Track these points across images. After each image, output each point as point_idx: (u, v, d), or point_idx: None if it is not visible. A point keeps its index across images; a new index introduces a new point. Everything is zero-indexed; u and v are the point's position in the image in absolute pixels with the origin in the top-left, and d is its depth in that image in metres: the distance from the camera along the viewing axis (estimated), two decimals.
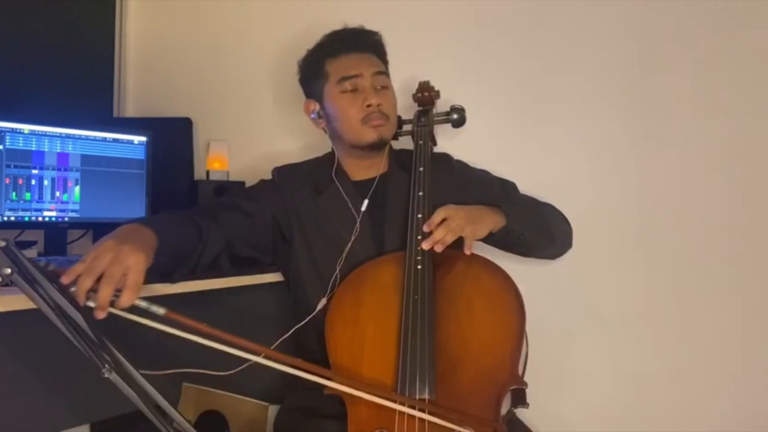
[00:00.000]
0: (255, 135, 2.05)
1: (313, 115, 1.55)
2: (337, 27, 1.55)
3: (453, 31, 1.82)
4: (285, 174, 1.54)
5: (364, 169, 1.52)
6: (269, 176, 1.58)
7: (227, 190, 1.87)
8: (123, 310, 1.01)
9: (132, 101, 2.22)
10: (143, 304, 1.03)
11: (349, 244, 1.43)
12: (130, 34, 2.21)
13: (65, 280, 0.99)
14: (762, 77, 1.59)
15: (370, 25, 1.56)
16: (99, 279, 1.00)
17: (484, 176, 1.61)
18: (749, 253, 1.61)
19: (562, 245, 1.58)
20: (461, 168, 1.61)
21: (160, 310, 1.03)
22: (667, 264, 1.67)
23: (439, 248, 1.32)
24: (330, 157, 1.56)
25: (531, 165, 1.75)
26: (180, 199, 1.93)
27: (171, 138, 1.97)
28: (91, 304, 0.99)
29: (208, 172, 1.93)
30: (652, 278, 1.68)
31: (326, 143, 1.62)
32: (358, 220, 1.45)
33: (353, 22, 1.56)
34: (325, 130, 1.56)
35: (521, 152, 1.77)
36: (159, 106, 2.14)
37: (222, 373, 1.12)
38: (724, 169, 1.63)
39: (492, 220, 1.39)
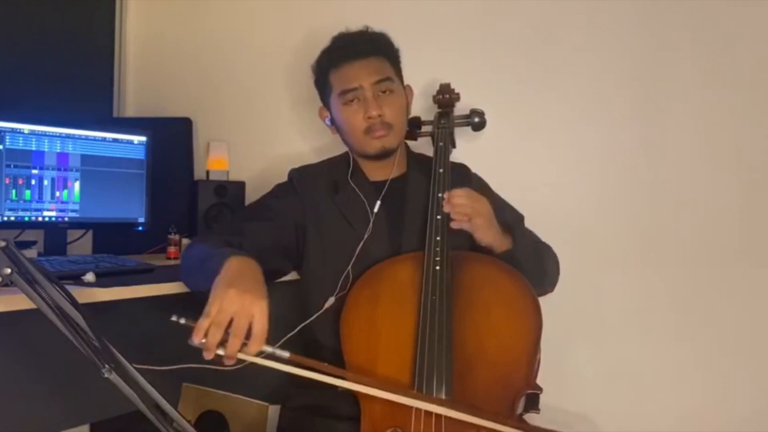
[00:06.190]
0: (255, 135, 2.05)
1: (326, 122, 1.55)
2: (342, 29, 1.53)
3: (459, 34, 1.82)
4: (303, 175, 1.53)
5: (380, 170, 1.51)
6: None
7: (227, 190, 1.87)
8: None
9: (132, 101, 2.22)
10: (269, 349, 1.09)
11: (361, 244, 1.42)
12: (130, 34, 2.21)
13: (196, 339, 1.04)
14: (764, 76, 1.59)
15: (379, 27, 1.53)
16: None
17: (498, 200, 1.60)
18: (751, 253, 1.61)
19: (546, 288, 1.57)
20: (479, 183, 1.60)
21: (285, 354, 1.10)
22: (667, 263, 1.66)
23: (456, 220, 1.32)
24: (346, 157, 1.55)
25: (532, 164, 1.74)
26: (180, 199, 1.93)
27: (171, 138, 1.97)
28: (220, 352, 1.06)
29: (208, 172, 1.93)
30: (652, 278, 1.67)
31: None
32: (372, 220, 1.45)
33: (359, 24, 1.53)
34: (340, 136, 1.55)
35: (522, 151, 1.76)
36: (159, 106, 2.13)
37: (224, 367, 1.13)
38: (726, 169, 1.62)
39: (500, 239, 1.39)
